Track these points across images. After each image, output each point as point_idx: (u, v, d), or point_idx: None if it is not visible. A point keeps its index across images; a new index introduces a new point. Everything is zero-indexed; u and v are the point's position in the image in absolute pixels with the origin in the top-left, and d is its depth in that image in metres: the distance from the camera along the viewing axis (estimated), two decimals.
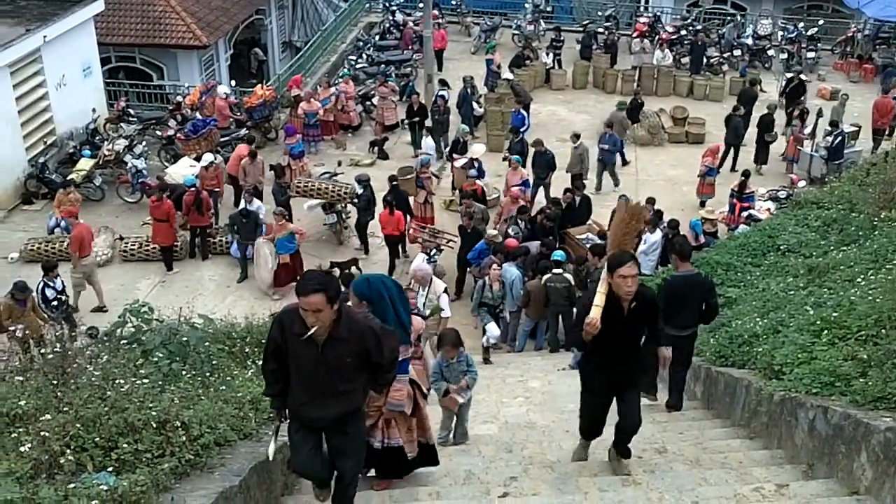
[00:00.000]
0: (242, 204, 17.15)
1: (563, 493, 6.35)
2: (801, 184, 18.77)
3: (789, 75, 23.95)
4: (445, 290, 12.22)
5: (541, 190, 19.14)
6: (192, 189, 17.11)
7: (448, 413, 8.29)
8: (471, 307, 14.11)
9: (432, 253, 15.94)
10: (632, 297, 6.19)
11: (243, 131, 21.22)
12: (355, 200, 17.70)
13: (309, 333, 5.15)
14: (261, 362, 5.83)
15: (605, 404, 6.75)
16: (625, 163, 21.31)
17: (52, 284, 13.94)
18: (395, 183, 17.56)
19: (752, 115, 21.82)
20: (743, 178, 17.85)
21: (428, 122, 21.87)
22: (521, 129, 20.55)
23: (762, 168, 21.17)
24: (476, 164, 18.96)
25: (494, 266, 13.64)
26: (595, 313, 6.15)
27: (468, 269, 15.87)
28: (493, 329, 13.67)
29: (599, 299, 6.20)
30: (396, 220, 16.91)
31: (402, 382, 6.49)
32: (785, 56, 27.71)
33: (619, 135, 20.72)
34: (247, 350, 9.41)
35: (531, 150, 19.39)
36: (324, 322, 5.14)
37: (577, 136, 19.50)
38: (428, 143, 21.02)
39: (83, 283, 15.47)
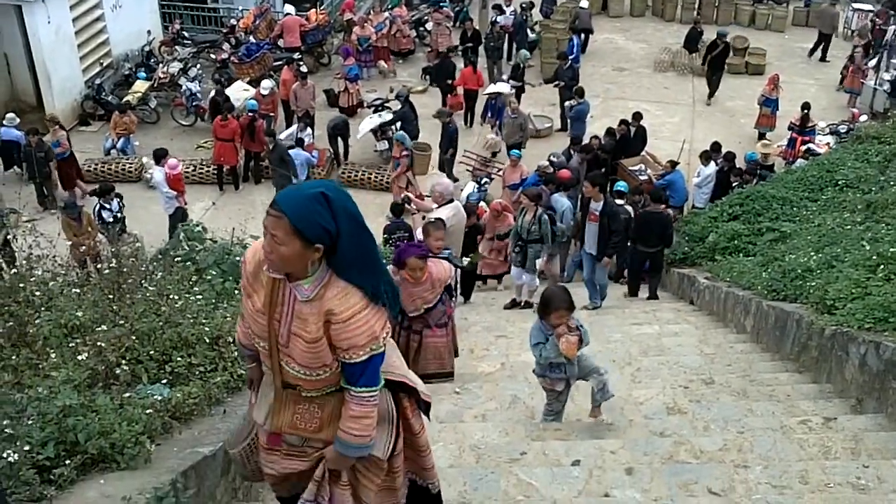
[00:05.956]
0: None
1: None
2: (863, 118, 18.28)
3: (715, 37, 21.18)
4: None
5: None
6: (250, 114, 17.17)
7: (553, 395, 6.22)
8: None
9: (483, 182, 15.89)
10: None
11: (297, 55, 21.17)
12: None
13: None
14: None
15: None
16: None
17: (108, 206, 14.15)
18: (449, 55, 20.80)
19: None
20: (804, 111, 17.42)
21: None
22: (572, 57, 20.13)
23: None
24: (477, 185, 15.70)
25: (523, 195, 11.89)
26: None
27: None
28: (516, 274, 12.10)
29: None
30: (478, 77, 19.23)
31: (370, 400, 3.32)
32: None
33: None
34: None
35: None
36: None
37: (516, 108, 17.69)
38: None
39: None
